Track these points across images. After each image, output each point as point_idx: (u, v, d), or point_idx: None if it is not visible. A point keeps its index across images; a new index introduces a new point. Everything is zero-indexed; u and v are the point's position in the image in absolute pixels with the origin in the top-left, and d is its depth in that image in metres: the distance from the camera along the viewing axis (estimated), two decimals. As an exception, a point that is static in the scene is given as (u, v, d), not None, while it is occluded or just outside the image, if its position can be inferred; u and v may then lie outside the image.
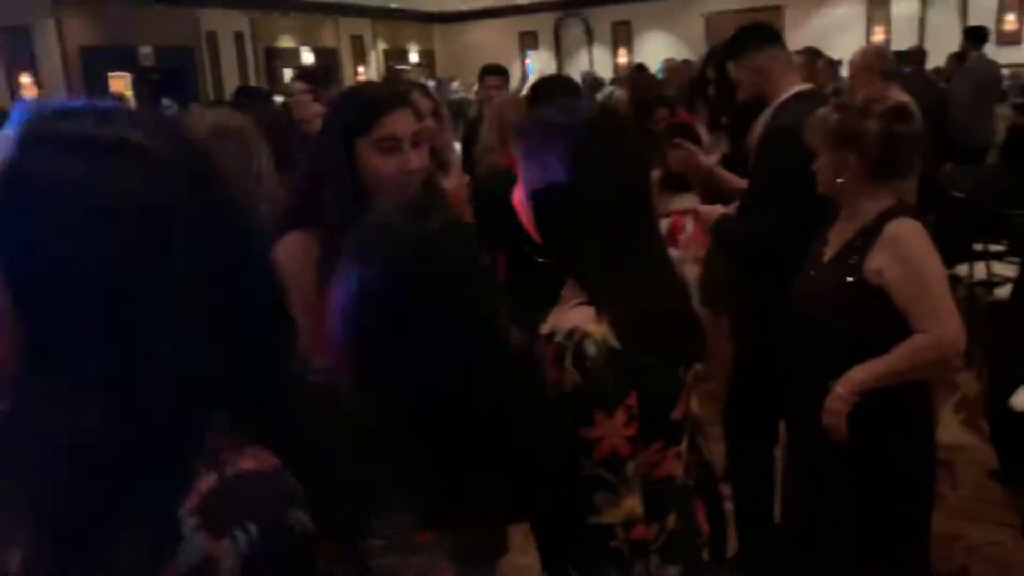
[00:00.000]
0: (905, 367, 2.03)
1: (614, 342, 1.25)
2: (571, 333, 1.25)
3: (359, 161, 1.68)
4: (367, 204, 1.69)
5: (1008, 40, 14.10)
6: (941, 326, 1.98)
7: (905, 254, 2.00)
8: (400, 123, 1.69)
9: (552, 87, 3.39)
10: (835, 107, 2.10)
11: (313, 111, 4.26)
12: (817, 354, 2.17)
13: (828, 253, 2.18)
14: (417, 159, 1.71)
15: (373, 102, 1.71)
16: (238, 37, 13.18)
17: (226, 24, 12.87)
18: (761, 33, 2.86)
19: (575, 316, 1.28)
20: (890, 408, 2.09)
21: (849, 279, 2.06)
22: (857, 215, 2.10)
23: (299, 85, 5.23)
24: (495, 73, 5.12)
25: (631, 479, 1.26)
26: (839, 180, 2.08)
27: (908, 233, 2.02)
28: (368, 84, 2.90)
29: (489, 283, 1.25)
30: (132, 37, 11.38)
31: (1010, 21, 14.57)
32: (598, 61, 17.47)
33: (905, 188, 3.93)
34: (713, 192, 3.26)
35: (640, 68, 8.79)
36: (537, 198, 1.33)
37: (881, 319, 2.02)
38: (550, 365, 1.25)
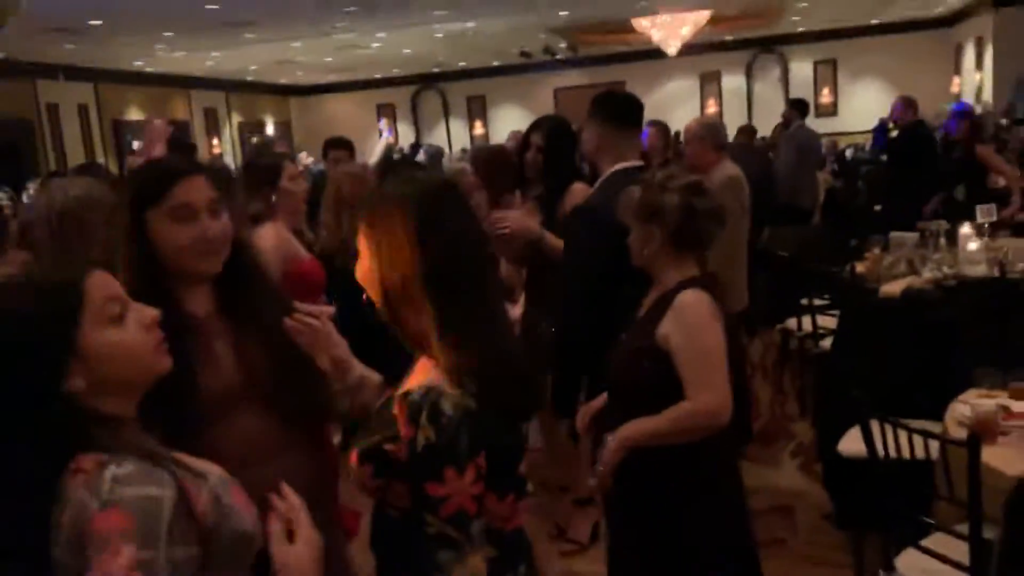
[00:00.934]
0: (667, 430, 2.09)
1: (469, 401, 1.30)
2: (428, 391, 1.29)
3: (153, 234, 1.61)
4: (165, 280, 1.62)
5: (825, 112, 15.53)
6: (705, 395, 2.06)
7: (687, 322, 2.10)
8: (194, 191, 1.63)
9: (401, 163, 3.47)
10: (640, 184, 2.25)
11: None
12: (618, 415, 2.24)
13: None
14: (216, 227, 1.63)
15: (164, 171, 1.67)
16: (82, 109, 12.68)
17: (69, 95, 12.36)
18: (612, 105, 2.94)
19: (431, 375, 1.32)
20: (681, 470, 2.15)
21: (643, 344, 2.16)
22: (662, 285, 2.22)
23: (134, 160, 5.05)
24: (339, 147, 5.08)
25: (476, 537, 1.30)
26: (646, 252, 2.19)
27: (693, 302, 2.10)
28: (166, 156, 2.80)
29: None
30: (-38, 109, 10.77)
31: (826, 95, 16.09)
32: (455, 133, 17.88)
33: (738, 252, 4.24)
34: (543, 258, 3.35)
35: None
36: (384, 268, 1.37)
37: (669, 383, 2.10)
38: (404, 423, 1.29)
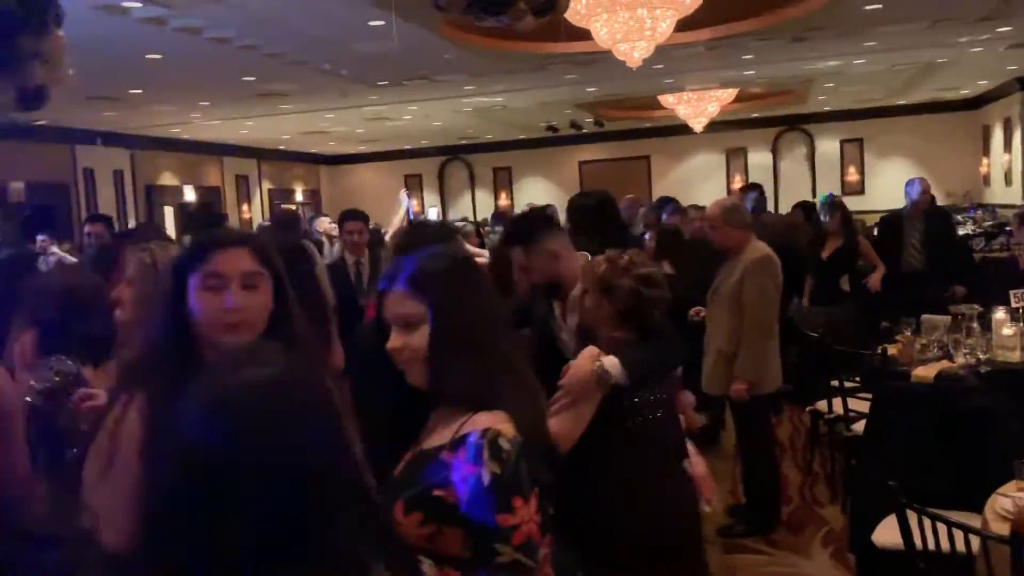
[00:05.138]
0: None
1: (519, 436, 1.41)
2: (484, 432, 1.40)
3: (191, 301, 1.61)
4: (194, 346, 1.61)
5: (852, 190, 15.53)
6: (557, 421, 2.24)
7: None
8: (228, 261, 1.62)
9: (420, 236, 3.49)
10: (606, 259, 2.47)
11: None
12: None
13: None
14: (241, 299, 1.60)
15: (206, 240, 1.68)
16: (117, 174, 12.99)
17: (105, 160, 12.68)
18: (544, 221, 3.05)
19: (482, 419, 1.43)
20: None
21: None
22: (600, 339, 2.42)
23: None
24: (354, 218, 5.06)
25: (542, 564, 1.42)
26: (594, 315, 2.45)
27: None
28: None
29: (334, 427, 1.14)
30: (2, 173, 11.04)
31: (852, 173, 16.13)
32: (480, 203, 18.10)
33: (772, 333, 4.15)
34: None
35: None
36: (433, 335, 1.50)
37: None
38: (464, 464, 1.39)
